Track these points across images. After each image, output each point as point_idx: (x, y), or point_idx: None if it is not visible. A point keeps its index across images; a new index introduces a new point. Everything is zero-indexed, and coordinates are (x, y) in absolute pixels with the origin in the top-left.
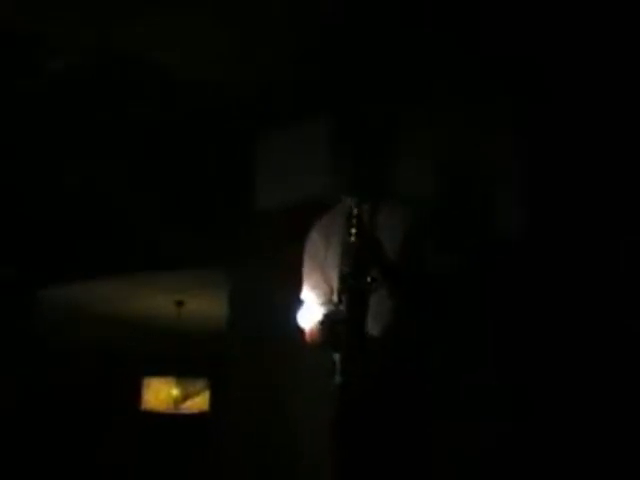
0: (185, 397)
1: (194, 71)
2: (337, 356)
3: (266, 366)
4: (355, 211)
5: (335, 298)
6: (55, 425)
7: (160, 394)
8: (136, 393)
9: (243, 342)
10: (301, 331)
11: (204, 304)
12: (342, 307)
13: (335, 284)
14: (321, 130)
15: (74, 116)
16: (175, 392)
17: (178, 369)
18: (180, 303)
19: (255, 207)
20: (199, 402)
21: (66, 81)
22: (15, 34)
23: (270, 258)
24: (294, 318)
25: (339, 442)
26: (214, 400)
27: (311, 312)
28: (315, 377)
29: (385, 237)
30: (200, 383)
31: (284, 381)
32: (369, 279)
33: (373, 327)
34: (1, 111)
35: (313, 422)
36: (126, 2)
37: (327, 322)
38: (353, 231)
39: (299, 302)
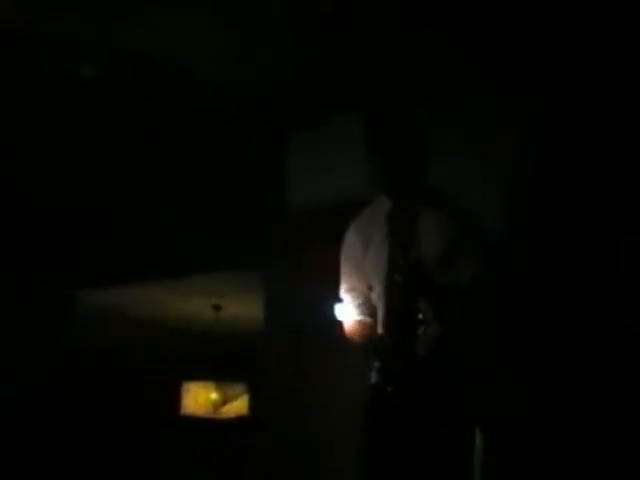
0: (224, 401)
1: (224, 71)
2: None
3: (303, 368)
4: (396, 212)
5: (380, 328)
6: (95, 429)
7: (199, 399)
8: (176, 398)
9: (279, 345)
10: (340, 325)
11: (242, 307)
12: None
13: (375, 287)
14: (354, 129)
15: (98, 119)
16: (214, 396)
17: (217, 373)
18: (217, 307)
19: (289, 207)
20: (238, 406)
21: (67, 81)
22: (15, 33)
23: (303, 258)
24: (331, 316)
25: (369, 443)
26: (253, 404)
27: (349, 312)
28: (352, 378)
29: (428, 245)
30: (239, 387)
31: (320, 383)
32: (419, 316)
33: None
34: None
35: (350, 425)
36: (127, 2)
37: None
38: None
39: (338, 299)
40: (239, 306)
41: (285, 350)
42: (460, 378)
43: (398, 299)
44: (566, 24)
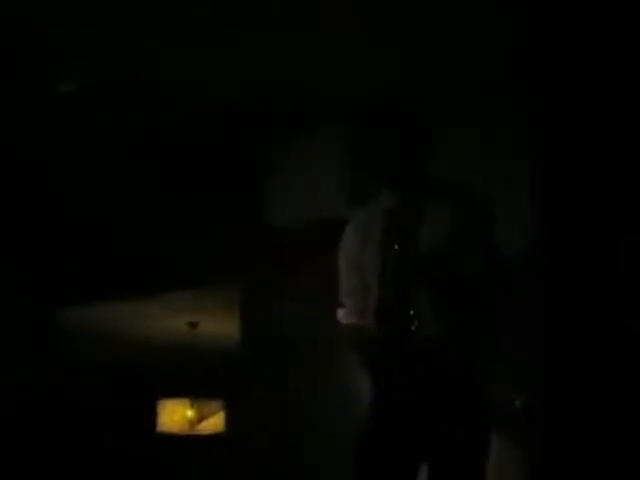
0: (200, 418)
1: (209, 87)
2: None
3: (281, 385)
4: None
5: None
6: (71, 445)
7: (175, 416)
8: (151, 415)
9: (257, 361)
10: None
11: (218, 324)
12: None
13: (373, 289)
14: (332, 146)
15: (84, 129)
16: (190, 413)
17: (193, 390)
18: (193, 324)
19: (269, 224)
20: (215, 423)
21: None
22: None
23: (283, 274)
24: (310, 334)
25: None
26: (229, 420)
27: (351, 317)
28: (334, 395)
29: (430, 240)
30: (215, 404)
31: (300, 400)
32: (411, 312)
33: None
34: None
35: (333, 441)
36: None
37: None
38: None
39: (338, 303)
40: (216, 323)
41: (263, 367)
42: (460, 376)
43: (390, 295)
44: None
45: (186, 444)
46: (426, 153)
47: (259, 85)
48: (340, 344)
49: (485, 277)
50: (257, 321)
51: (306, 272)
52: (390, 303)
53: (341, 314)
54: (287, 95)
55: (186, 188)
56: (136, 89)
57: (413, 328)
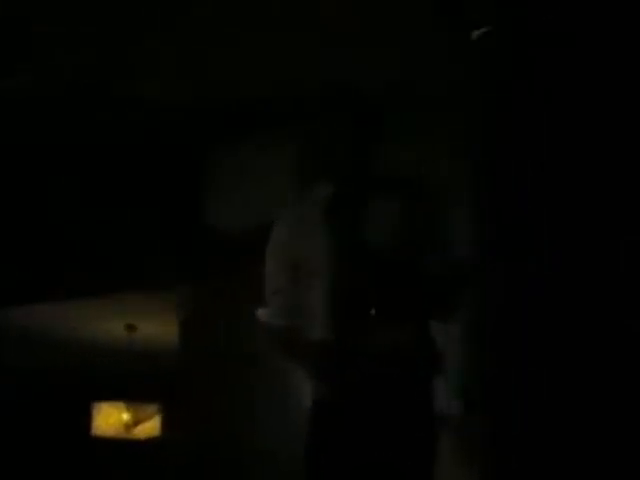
0: (136, 422)
1: (155, 89)
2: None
3: (220, 390)
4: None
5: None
6: (5, 448)
7: (110, 419)
8: (86, 418)
9: (196, 365)
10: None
11: (156, 327)
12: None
13: (315, 285)
14: (278, 150)
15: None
16: (126, 417)
17: (130, 394)
18: (131, 327)
19: (212, 227)
20: (150, 427)
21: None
22: None
23: (226, 278)
24: (250, 339)
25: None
26: (165, 425)
27: (275, 317)
28: (272, 398)
29: (381, 237)
30: (151, 408)
31: (238, 404)
32: (372, 312)
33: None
34: None
35: (271, 446)
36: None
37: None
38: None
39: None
40: (154, 326)
41: (201, 371)
42: (421, 382)
43: (346, 296)
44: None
45: (121, 448)
46: (377, 149)
47: (208, 86)
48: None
49: (442, 276)
50: (197, 325)
51: (250, 276)
52: (344, 304)
53: (264, 314)
54: (236, 96)
55: (130, 189)
56: (87, 89)
57: (373, 333)
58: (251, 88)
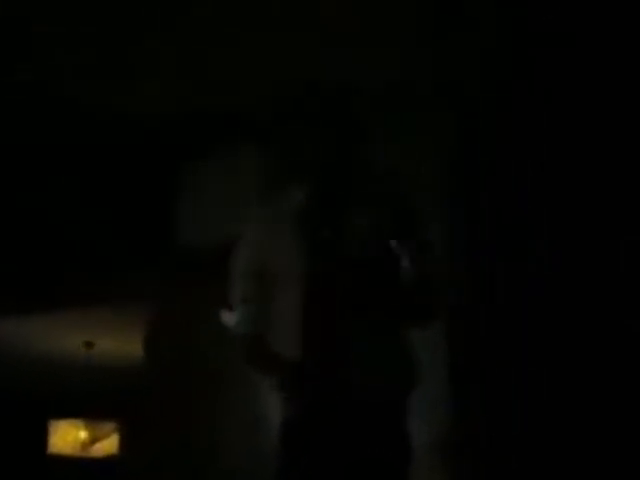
0: (93, 440)
1: (119, 104)
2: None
3: (182, 407)
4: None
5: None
6: None
7: (67, 437)
8: (42, 436)
9: (158, 382)
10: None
11: (114, 344)
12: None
13: (283, 295)
14: (244, 166)
15: None
16: (83, 435)
17: (87, 412)
18: (89, 344)
19: (178, 243)
20: (108, 445)
21: None
22: None
23: (191, 294)
24: (215, 356)
25: None
26: (124, 443)
27: (241, 327)
28: (239, 418)
29: (356, 243)
30: (109, 426)
31: (203, 423)
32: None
33: None
34: None
35: (236, 469)
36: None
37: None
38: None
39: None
40: (112, 343)
41: (163, 388)
42: (396, 400)
43: (319, 309)
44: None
45: (78, 466)
46: (352, 154)
47: (174, 100)
48: (246, 369)
49: (420, 287)
50: (160, 342)
51: (216, 292)
52: (320, 319)
53: (231, 320)
54: (203, 110)
55: (92, 204)
56: (51, 101)
57: (346, 349)
58: (217, 102)
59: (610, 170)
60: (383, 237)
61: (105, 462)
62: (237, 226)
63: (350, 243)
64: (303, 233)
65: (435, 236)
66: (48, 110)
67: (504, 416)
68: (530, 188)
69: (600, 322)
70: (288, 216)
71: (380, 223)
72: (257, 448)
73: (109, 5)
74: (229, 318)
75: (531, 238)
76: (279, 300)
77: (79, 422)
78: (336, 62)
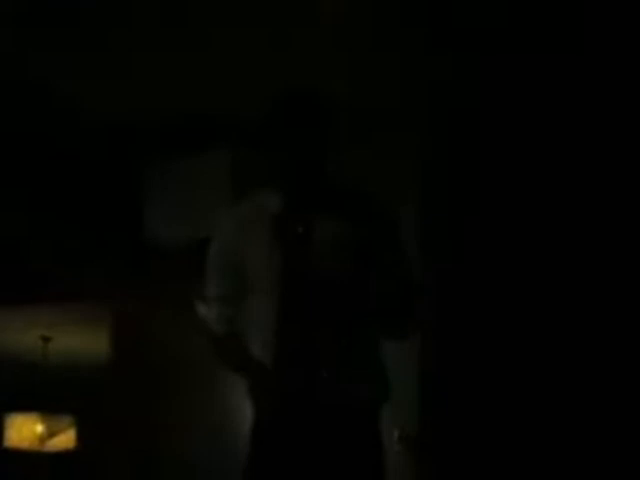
0: (50, 434)
1: (94, 100)
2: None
3: (143, 401)
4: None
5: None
6: None
7: (24, 431)
8: None
9: (120, 377)
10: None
11: (73, 339)
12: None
13: (257, 299)
14: (221, 162)
15: None
16: (40, 429)
17: (44, 406)
18: (47, 339)
19: (144, 241)
20: (65, 439)
21: None
22: None
23: (159, 295)
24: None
25: None
26: (81, 437)
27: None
28: (199, 413)
29: (331, 254)
30: (66, 420)
31: (160, 418)
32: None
33: None
34: None
35: (201, 465)
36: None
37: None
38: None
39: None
40: (70, 338)
41: (123, 382)
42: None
43: (293, 310)
44: None
45: (35, 460)
46: (327, 158)
47: (146, 98)
48: (210, 367)
49: (399, 301)
50: (125, 337)
51: (181, 291)
52: (288, 323)
53: (205, 312)
54: (174, 107)
55: (58, 197)
56: (22, 98)
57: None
58: (193, 100)
59: (586, 185)
60: (356, 242)
61: (62, 456)
62: (209, 223)
63: (324, 245)
64: (277, 233)
65: (406, 241)
66: (19, 103)
67: (472, 415)
68: (501, 201)
69: (572, 326)
70: (262, 215)
71: (353, 227)
72: (220, 445)
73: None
74: (205, 312)
75: (503, 250)
76: (253, 299)
77: (36, 416)
78: (314, 71)
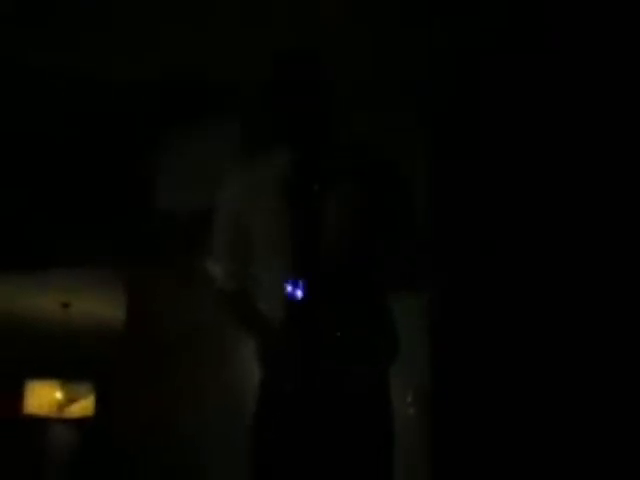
0: (70, 401)
1: (99, 71)
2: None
3: (158, 370)
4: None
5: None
6: None
7: (43, 398)
8: (19, 396)
9: (138, 347)
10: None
11: (92, 306)
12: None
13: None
14: (227, 132)
15: None
16: (59, 396)
17: (63, 373)
18: (66, 305)
19: (158, 208)
20: (84, 406)
21: None
22: None
23: (172, 262)
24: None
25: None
26: (100, 405)
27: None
28: (217, 381)
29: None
30: (85, 387)
31: (179, 386)
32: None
33: None
34: None
35: (215, 430)
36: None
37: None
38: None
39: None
40: (89, 304)
41: (140, 352)
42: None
43: (302, 272)
44: None
45: (54, 427)
46: (337, 121)
47: (155, 68)
48: (229, 333)
49: (406, 257)
50: (141, 305)
51: (192, 258)
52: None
53: (215, 270)
54: (186, 78)
55: (73, 165)
56: (23, 71)
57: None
58: (200, 70)
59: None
60: (365, 199)
61: (81, 423)
62: (219, 190)
63: (334, 204)
64: (289, 193)
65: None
66: (29, 78)
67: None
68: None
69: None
70: (272, 176)
71: (362, 185)
72: (235, 410)
73: None
74: (214, 269)
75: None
76: (262, 259)
77: (55, 383)
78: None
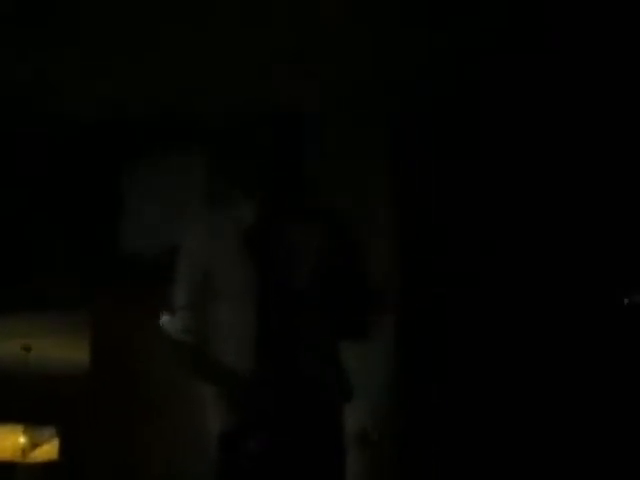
0: (33, 445)
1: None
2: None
3: (123, 413)
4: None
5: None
6: None
7: (6, 442)
8: None
9: (101, 387)
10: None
11: (54, 349)
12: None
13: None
14: (197, 173)
15: None
16: (22, 440)
17: (26, 417)
18: (27, 348)
19: (122, 248)
20: (48, 450)
21: None
22: None
23: (134, 299)
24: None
25: None
26: (64, 448)
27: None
28: (180, 425)
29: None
30: (48, 431)
31: (143, 429)
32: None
33: None
34: None
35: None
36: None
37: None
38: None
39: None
40: (50, 347)
41: (105, 393)
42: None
43: (260, 324)
44: None
45: (18, 472)
46: (298, 170)
47: (123, 104)
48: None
49: (358, 306)
50: (103, 347)
51: (157, 300)
52: (257, 332)
53: (170, 326)
54: (148, 113)
55: (35, 204)
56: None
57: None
58: (166, 108)
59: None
60: (326, 252)
61: (46, 467)
62: (182, 233)
63: (294, 257)
64: (250, 242)
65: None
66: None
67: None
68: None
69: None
70: (234, 227)
71: (320, 239)
72: (197, 456)
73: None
74: (169, 323)
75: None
76: (222, 310)
77: (18, 427)
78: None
